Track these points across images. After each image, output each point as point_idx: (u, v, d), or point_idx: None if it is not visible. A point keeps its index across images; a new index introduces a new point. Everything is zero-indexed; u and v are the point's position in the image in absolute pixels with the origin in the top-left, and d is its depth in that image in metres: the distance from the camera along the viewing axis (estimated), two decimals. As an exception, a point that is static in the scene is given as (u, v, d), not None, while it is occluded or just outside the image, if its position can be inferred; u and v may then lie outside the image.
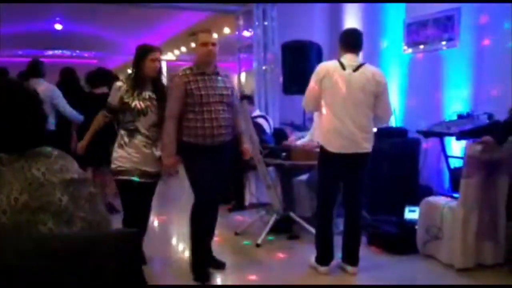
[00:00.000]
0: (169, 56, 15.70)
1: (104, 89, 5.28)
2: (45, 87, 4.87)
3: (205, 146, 3.46)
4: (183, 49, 13.98)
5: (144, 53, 3.50)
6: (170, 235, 5.01)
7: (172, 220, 5.51)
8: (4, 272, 1.08)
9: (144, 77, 3.50)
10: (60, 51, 14.04)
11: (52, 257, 1.17)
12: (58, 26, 11.17)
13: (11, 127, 1.36)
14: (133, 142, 3.47)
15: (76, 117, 5.14)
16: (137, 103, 3.45)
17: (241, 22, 7.21)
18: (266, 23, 6.70)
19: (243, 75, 8.31)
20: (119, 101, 3.47)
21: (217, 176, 3.52)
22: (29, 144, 1.38)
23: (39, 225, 1.28)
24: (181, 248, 4.41)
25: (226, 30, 10.16)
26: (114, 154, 3.52)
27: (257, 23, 6.71)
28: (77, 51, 14.13)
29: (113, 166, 3.51)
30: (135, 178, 3.47)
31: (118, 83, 3.54)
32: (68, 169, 1.39)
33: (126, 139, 3.48)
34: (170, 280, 3.54)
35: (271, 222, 4.51)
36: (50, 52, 14.06)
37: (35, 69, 5.05)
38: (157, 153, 3.50)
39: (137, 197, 3.51)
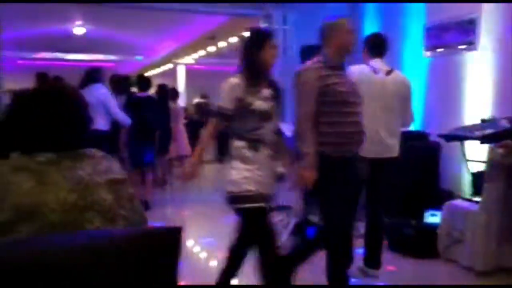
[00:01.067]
0: (188, 59, 15.88)
1: (145, 93, 6.02)
2: (101, 92, 5.26)
3: (344, 157, 2.85)
4: (202, 52, 14.11)
5: (263, 38, 2.73)
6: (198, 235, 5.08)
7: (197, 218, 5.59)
8: (55, 269, 1.14)
9: (261, 70, 2.72)
10: (80, 55, 14.28)
11: (99, 254, 1.23)
12: (79, 30, 11.35)
13: (58, 128, 1.43)
14: (258, 157, 2.66)
15: (124, 120, 5.42)
16: (260, 104, 2.67)
17: (260, 26, 7.27)
18: (286, 27, 6.77)
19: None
20: (236, 103, 2.66)
21: (355, 195, 3.03)
22: (74, 145, 1.45)
23: (86, 224, 1.34)
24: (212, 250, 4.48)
25: (245, 34, 10.23)
26: (235, 174, 2.67)
27: (276, 27, 6.78)
28: (96, 55, 14.34)
29: (234, 189, 2.67)
30: (266, 204, 2.71)
31: (234, 80, 2.70)
32: (112, 169, 1.45)
33: (248, 153, 2.66)
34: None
35: (291, 225, 4.54)
36: (70, 56, 14.32)
37: (94, 75, 5.42)
38: (280, 169, 2.77)
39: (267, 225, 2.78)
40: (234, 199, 2.69)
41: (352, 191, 2.96)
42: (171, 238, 1.25)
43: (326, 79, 2.82)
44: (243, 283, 3.25)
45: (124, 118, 5.44)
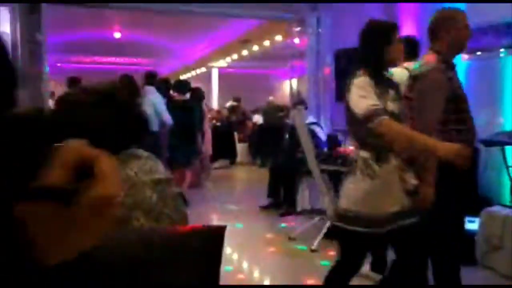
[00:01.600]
0: (221, 63, 16.05)
1: (184, 96, 6.35)
2: (154, 95, 5.58)
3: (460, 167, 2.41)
4: (235, 56, 14.21)
5: (390, 31, 2.35)
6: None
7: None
8: (132, 262, 1.18)
9: (387, 67, 2.38)
10: (117, 58, 14.63)
11: (147, 251, 1.27)
12: (117, 34, 11.61)
13: (114, 130, 1.49)
14: (386, 169, 2.28)
15: (168, 122, 5.67)
16: (391, 106, 2.29)
17: (294, 30, 7.31)
18: (320, 30, 6.78)
19: (294, 81, 8.41)
20: None
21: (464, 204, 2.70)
22: (125, 145, 1.51)
23: (133, 221, 1.39)
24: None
25: (278, 38, 10.29)
26: (351, 190, 2.34)
27: (310, 30, 6.80)
28: (133, 58, 14.67)
29: (344, 206, 2.36)
30: (377, 230, 2.31)
31: (362, 77, 2.30)
32: (157, 169, 1.51)
33: (375, 166, 2.27)
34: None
35: (325, 228, 4.54)
36: (108, 59, 14.69)
37: (150, 79, 5.81)
38: (413, 181, 2.32)
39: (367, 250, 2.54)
40: (340, 217, 2.38)
41: (463, 201, 2.74)
42: (216, 237, 1.28)
43: (452, 82, 2.50)
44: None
45: (167, 120, 5.66)
